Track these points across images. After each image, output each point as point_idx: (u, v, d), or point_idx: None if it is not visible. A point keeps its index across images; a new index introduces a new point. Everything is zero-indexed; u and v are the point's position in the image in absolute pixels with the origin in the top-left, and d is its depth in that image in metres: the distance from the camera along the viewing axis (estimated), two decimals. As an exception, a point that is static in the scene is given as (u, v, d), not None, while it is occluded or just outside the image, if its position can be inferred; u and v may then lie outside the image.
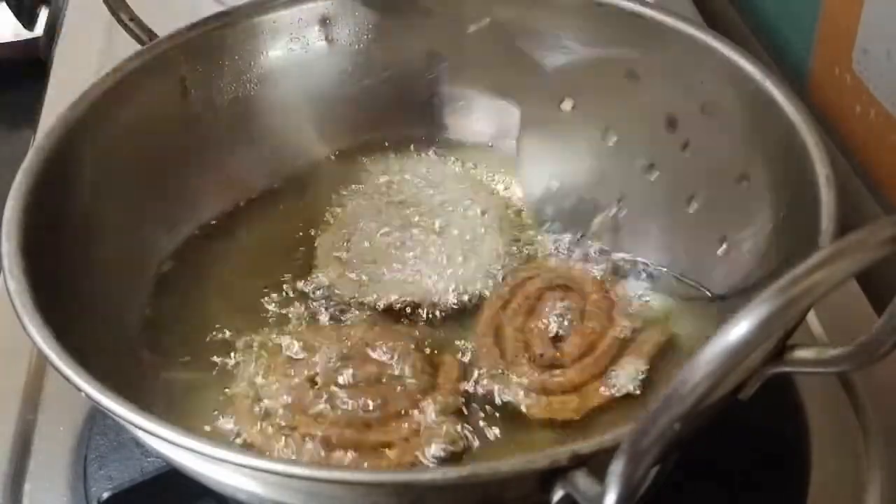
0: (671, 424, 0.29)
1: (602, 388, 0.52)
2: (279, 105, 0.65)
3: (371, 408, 0.50)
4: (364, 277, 0.59)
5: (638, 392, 0.52)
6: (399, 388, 0.51)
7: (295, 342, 0.54)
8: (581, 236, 0.61)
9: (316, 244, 0.61)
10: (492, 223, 0.62)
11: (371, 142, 0.67)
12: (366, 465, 0.48)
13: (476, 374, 0.53)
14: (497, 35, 0.65)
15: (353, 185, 0.65)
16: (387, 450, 0.48)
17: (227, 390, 0.53)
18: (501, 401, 0.52)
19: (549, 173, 0.64)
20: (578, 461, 0.36)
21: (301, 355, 0.53)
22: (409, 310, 0.57)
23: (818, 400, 0.56)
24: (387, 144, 0.67)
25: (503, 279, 0.58)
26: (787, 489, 0.52)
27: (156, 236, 0.60)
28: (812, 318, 0.59)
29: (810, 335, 0.59)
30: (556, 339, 0.55)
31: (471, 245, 0.60)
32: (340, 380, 0.51)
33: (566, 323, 0.55)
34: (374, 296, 0.57)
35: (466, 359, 0.54)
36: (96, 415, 0.56)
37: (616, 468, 0.31)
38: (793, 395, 0.56)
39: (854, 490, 0.52)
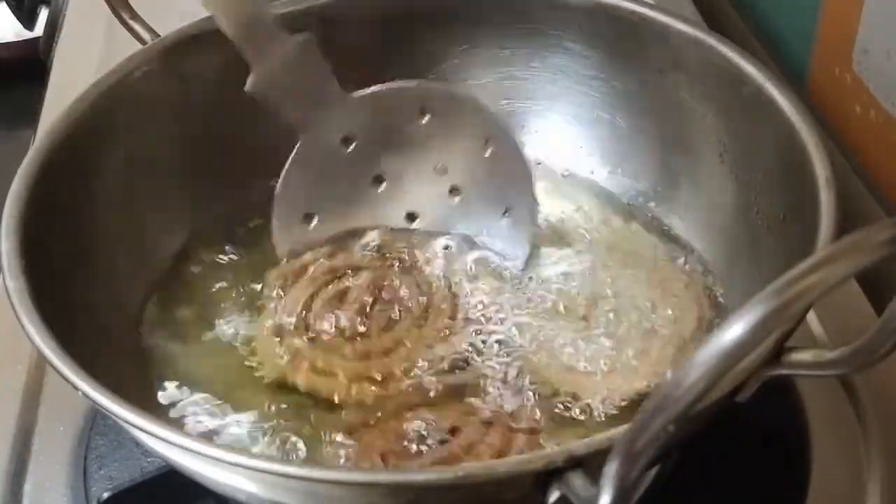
0: (665, 426, 0.29)
1: None
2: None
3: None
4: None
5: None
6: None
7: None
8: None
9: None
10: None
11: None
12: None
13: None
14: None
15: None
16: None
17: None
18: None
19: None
20: (574, 462, 0.36)
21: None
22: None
23: (818, 400, 0.56)
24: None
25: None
26: (787, 489, 0.52)
27: (156, 234, 0.60)
28: (812, 318, 0.59)
29: (811, 336, 0.59)
30: None
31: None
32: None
33: None
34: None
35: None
36: (96, 415, 0.56)
37: (610, 469, 0.31)
38: (793, 396, 0.56)
39: (854, 490, 0.52)
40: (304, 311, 0.56)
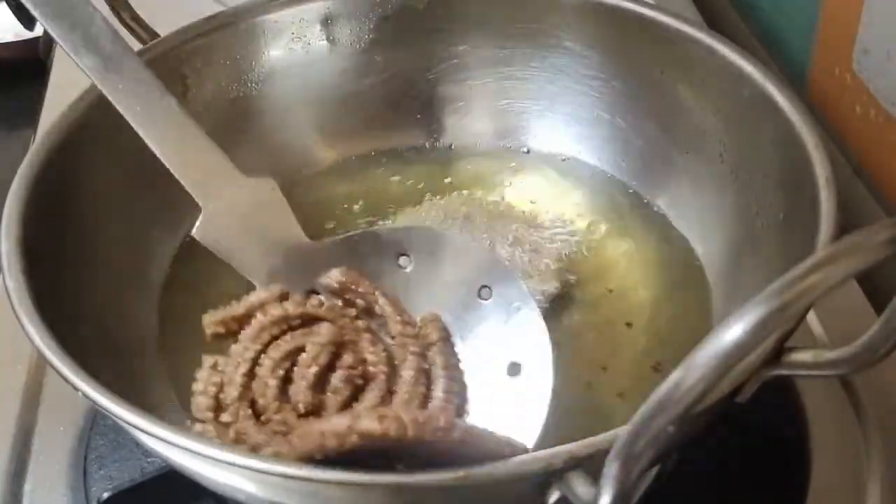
0: (665, 427, 0.29)
1: None
2: (280, 105, 0.65)
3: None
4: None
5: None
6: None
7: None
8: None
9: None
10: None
11: (371, 141, 0.67)
12: None
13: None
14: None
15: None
16: None
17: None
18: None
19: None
20: (574, 463, 0.35)
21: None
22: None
23: (818, 400, 0.56)
24: (386, 145, 0.67)
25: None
26: (787, 489, 0.52)
27: (156, 236, 0.60)
28: (812, 318, 0.59)
29: (811, 336, 0.59)
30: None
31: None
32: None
33: None
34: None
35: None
36: (96, 415, 0.56)
37: (610, 470, 0.31)
38: (793, 396, 0.56)
39: (854, 490, 0.52)
40: (246, 378, 0.48)
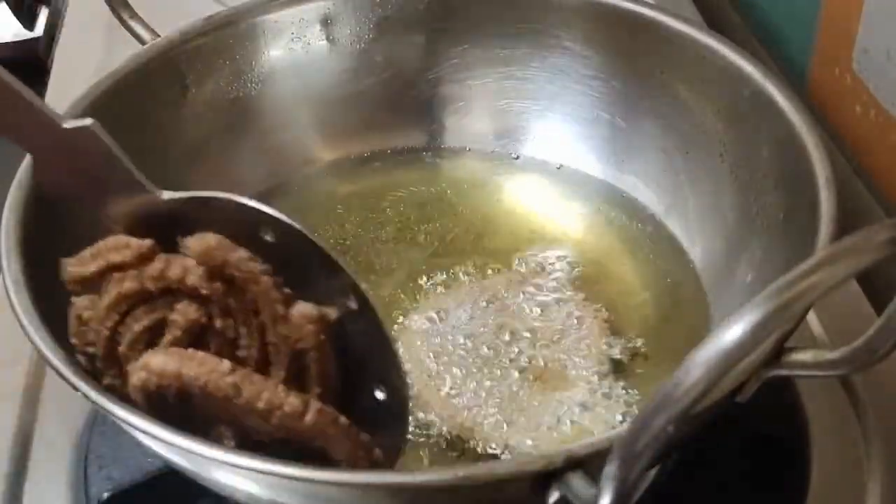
0: (665, 427, 0.29)
1: None
2: (280, 105, 0.65)
3: None
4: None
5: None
6: None
7: None
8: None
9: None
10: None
11: (371, 142, 0.67)
12: None
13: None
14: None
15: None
16: None
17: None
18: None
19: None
20: (574, 463, 0.36)
21: None
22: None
23: (818, 400, 0.56)
24: (386, 145, 0.67)
25: None
26: (787, 489, 0.52)
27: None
28: (812, 318, 0.59)
29: (811, 336, 0.59)
30: None
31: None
32: None
33: None
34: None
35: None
36: (96, 415, 0.56)
37: (610, 470, 0.31)
38: (793, 396, 0.56)
39: (854, 490, 0.52)
40: (110, 344, 0.43)
